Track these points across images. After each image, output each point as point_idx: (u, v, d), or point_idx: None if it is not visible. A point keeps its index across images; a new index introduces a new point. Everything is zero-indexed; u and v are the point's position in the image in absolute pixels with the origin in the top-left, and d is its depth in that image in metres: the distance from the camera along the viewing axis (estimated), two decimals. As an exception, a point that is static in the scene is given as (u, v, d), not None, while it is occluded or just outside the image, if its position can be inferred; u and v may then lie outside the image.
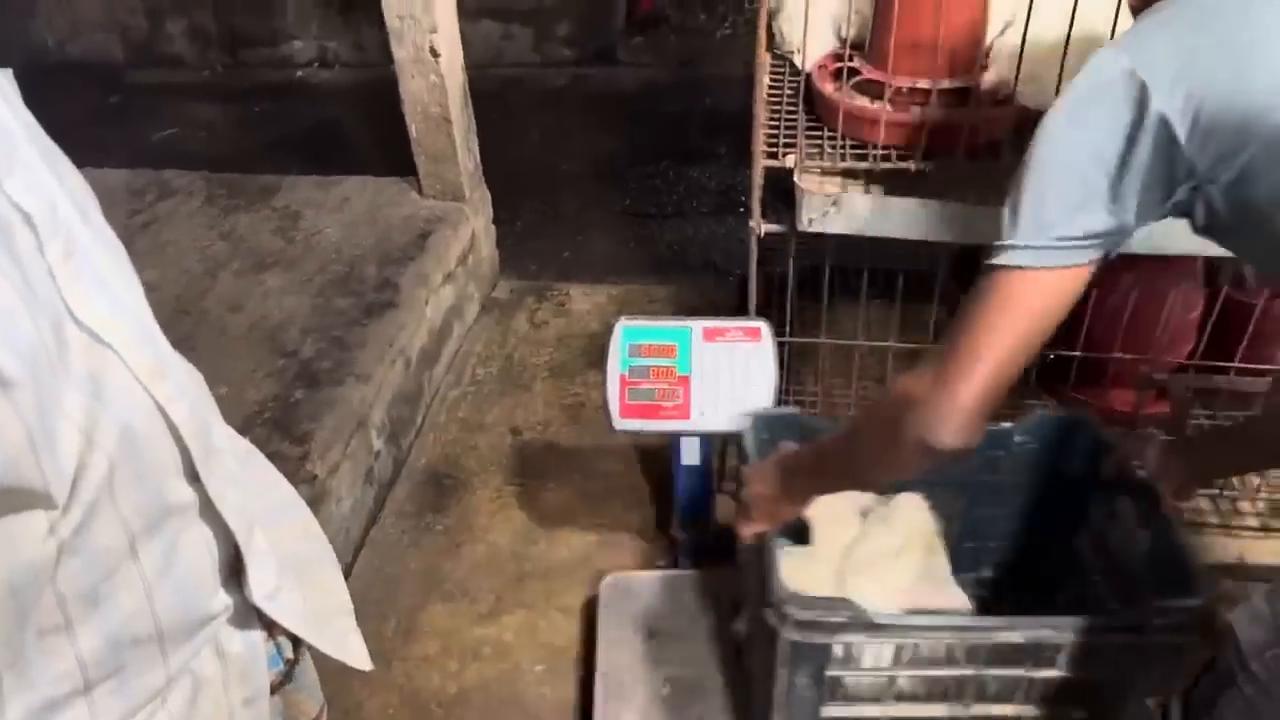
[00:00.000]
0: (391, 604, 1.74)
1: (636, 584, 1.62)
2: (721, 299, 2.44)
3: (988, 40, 1.43)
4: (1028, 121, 1.44)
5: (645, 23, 4.27)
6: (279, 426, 1.80)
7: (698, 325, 1.56)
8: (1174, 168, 0.85)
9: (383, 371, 1.94)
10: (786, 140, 1.52)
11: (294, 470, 1.68)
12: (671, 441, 1.64)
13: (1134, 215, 0.87)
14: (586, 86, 3.87)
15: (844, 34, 1.57)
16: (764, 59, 1.69)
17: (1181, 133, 0.83)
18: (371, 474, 1.89)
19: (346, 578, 1.76)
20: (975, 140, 1.40)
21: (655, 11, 4.30)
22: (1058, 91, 1.25)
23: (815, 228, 1.45)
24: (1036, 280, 0.88)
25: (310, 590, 0.75)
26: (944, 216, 1.42)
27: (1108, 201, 0.86)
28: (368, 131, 3.29)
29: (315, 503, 1.68)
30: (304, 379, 1.90)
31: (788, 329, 1.66)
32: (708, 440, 1.64)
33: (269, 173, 2.63)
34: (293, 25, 4.12)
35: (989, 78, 1.38)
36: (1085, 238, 0.87)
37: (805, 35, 1.50)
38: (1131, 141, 0.84)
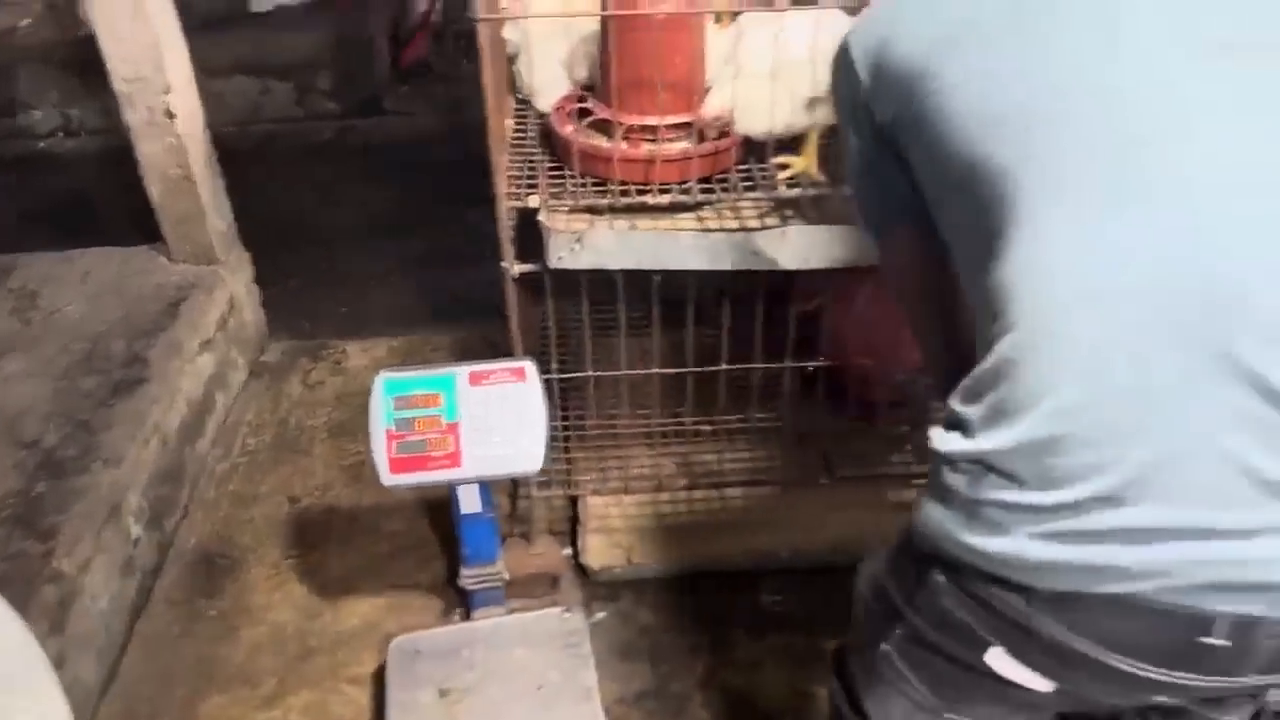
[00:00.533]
0: (165, 700, 1.62)
1: (425, 643, 1.57)
2: (505, 341, 2.43)
3: (708, 76, 1.50)
4: (748, 148, 1.52)
5: (411, 72, 4.25)
6: (21, 523, 1.65)
7: (462, 370, 1.54)
8: (875, 126, 0.91)
9: (136, 452, 1.81)
10: (531, 181, 1.54)
11: (39, 569, 1.55)
12: (450, 492, 1.61)
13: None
14: (353, 138, 3.80)
15: (577, 76, 1.61)
16: (507, 103, 1.71)
17: (867, 86, 0.90)
18: (131, 563, 1.76)
19: (111, 678, 1.65)
20: (705, 169, 1.46)
21: (420, 60, 4.29)
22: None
23: (565, 264, 1.47)
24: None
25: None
26: (686, 245, 1.47)
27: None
28: (118, 200, 3.09)
29: (66, 602, 1.55)
30: (48, 469, 1.76)
31: (553, 365, 1.67)
32: (488, 486, 1.62)
33: (8, 251, 2.44)
34: (29, 94, 3.86)
35: (710, 111, 1.44)
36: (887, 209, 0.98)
37: (535, 76, 1.53)
38: (850, 103, 0.93)
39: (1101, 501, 0.74)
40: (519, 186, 1.51)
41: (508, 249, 1.49)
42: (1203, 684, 0.79)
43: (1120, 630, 0.77)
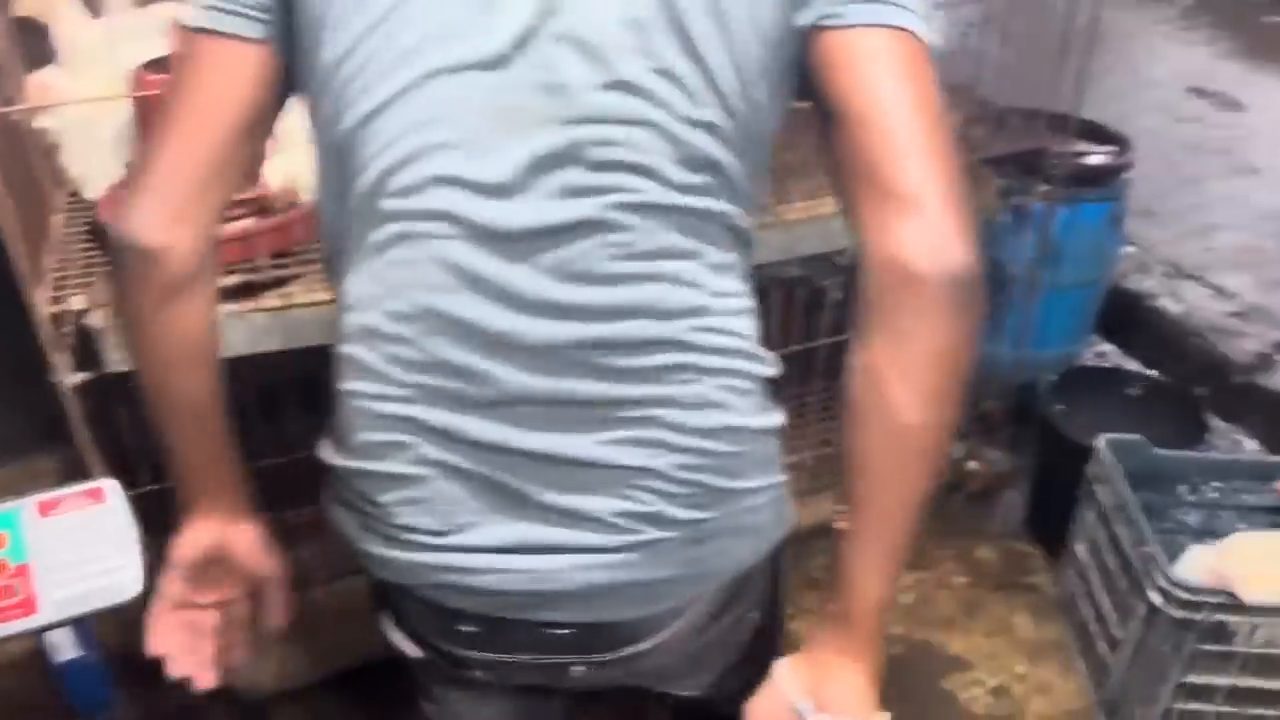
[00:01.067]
0: None
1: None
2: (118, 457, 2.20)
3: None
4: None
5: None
6: None
7: (28, 503, 1.36)
8: None
9: None
10: (83, 280, 1.39)
11: None
12: (38, 644, 1.40)
13: None
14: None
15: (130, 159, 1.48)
16: (55, 199, 1.55)
17: None
18: None
19: None
20: (274, 245, 1.38)
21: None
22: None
23: (127, 365, 1.33)
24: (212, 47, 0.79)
25: None
26: (260, 326, 1.39)
27: None
28: None
29: None
30: None
31: (141, 477, 1.51)
32: (87, 625, 1.43)
33: None
34: None
35: (272, 182, 1.37)
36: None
37: (76, 165, 1.39)
38: None
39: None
40: (64, 289, 1.36)
41: (59, 359, 1.33)
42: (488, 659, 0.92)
43: (410, 613, 0.93)
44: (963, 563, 2.20)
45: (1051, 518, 2.23)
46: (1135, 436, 1.92)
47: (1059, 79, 1.97)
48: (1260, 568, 1.73)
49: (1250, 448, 2.44)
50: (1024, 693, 1.92)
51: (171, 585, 1.05)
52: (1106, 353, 2.81)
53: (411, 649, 0.96)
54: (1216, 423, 2.45)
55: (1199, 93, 4.28)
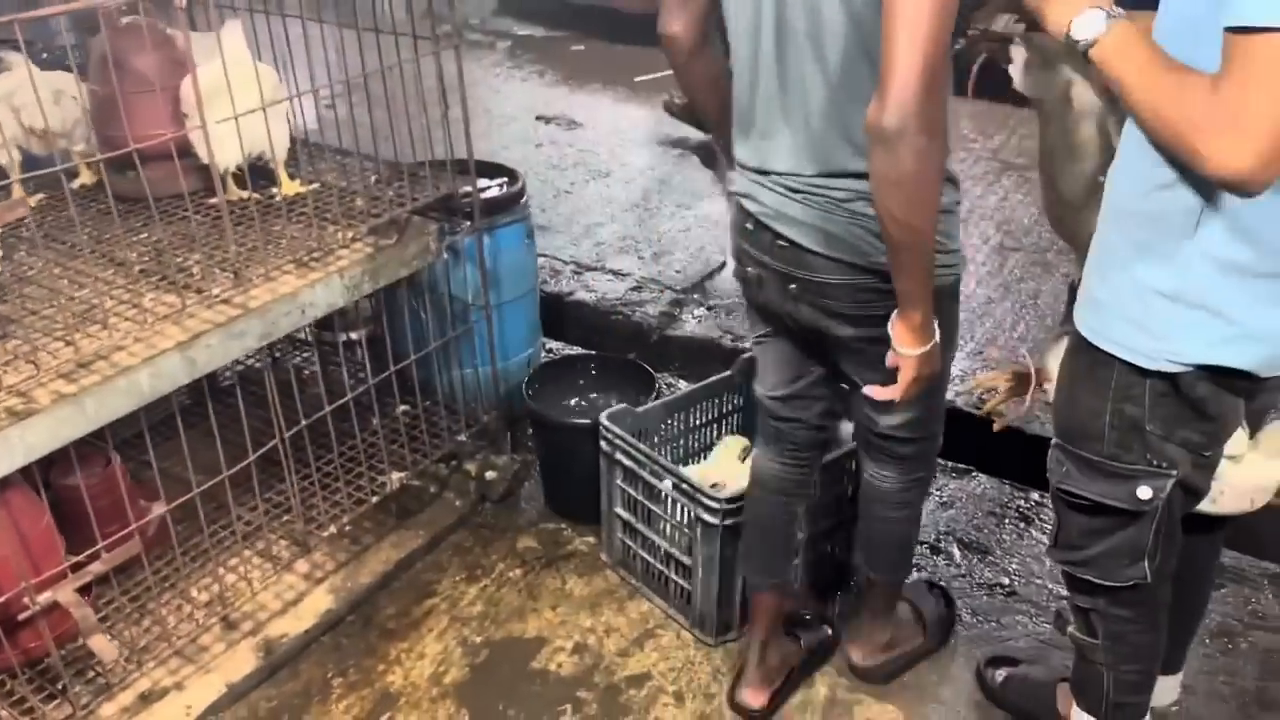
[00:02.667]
0: None
1: None
2: None
3: None
4: None
5: None
6: None
7: None
8: None
9: None
10: None
11: None
12: None
13: None
14: None
15: None
16: None
17: None
18: None
19: None
20: None
21: None
22: None
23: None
24: None
25: None
26: None
27: None
28: None
29: None
30: None
31: None
32: None
33: None
34: None
35: None
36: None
37: None
38: None
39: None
40: None
41: None
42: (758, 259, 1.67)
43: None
44: (512, 559, 2.44)
45: (565, 493, 2.57)
46: (623, 405, 2.31)
47: (442, 130, 2.27)
48: (735, 470, 2.24)
49: (683, 385, 3.02)
50: (597, 640, 2.22)
51: None
52: (554, 348, 3.25)
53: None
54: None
55: (545, 119, 5.01)
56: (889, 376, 1.54)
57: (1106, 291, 1.39)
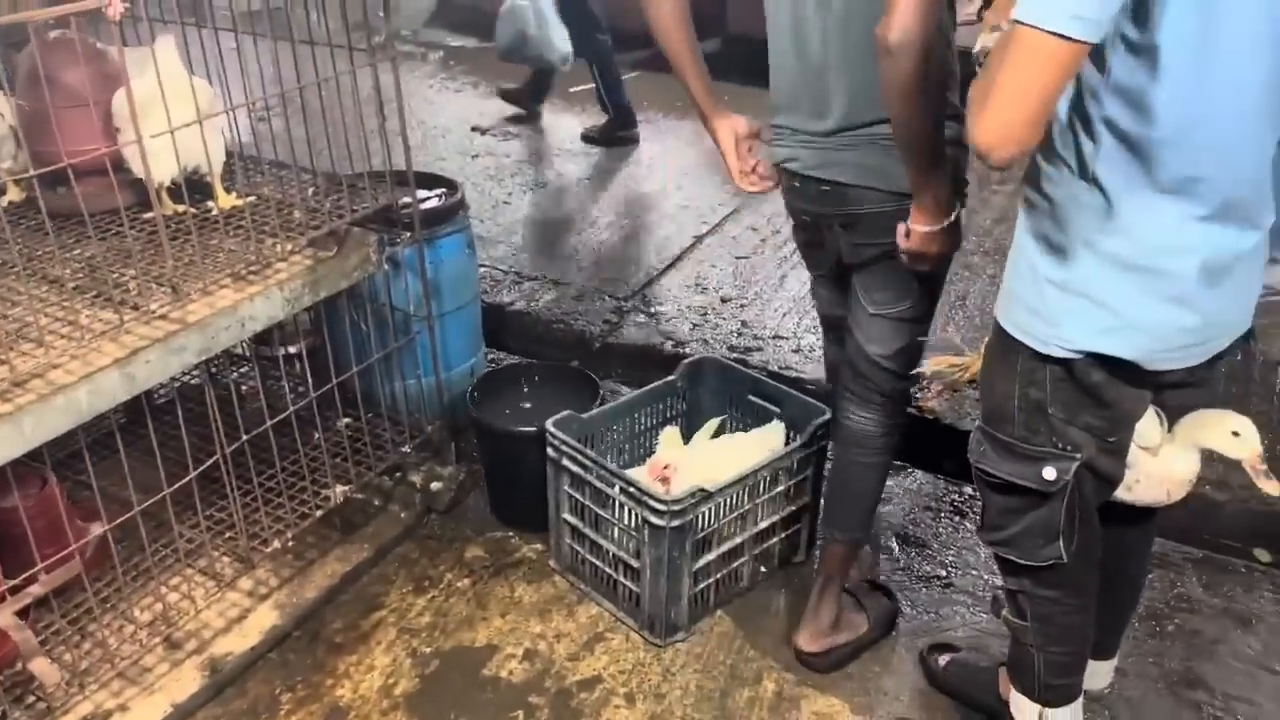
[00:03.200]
0: None
1: None
2: None
3: None
4: None
5: None
6: None
7: None
8: None
9: None
10: None
11: None
12: None
13: None
14: None
15: None
16: None
17: None
18: None
19: None
20: None
21: None
22: None
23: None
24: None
25: None
26: None
27: None
28: None
29: None
30: None
31: None
32: None
33: None
34: None
35: None
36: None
37: None
38: None
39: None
40: None
41: None
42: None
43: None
44: (460, 569, 2.45)
45: (511, 502, 2.58)
46: (568, 412, 2.33)
47: (379, 141, 2.27)
48: (682, 456, 2.30)
49: (626, 391, 3.05)
50: (547, 645, 2.24)
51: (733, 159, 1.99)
52: (497, 357, 3.26)
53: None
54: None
55: (481, 130, 5.01)
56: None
57: (1014, 279, 1.50)
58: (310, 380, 2.32)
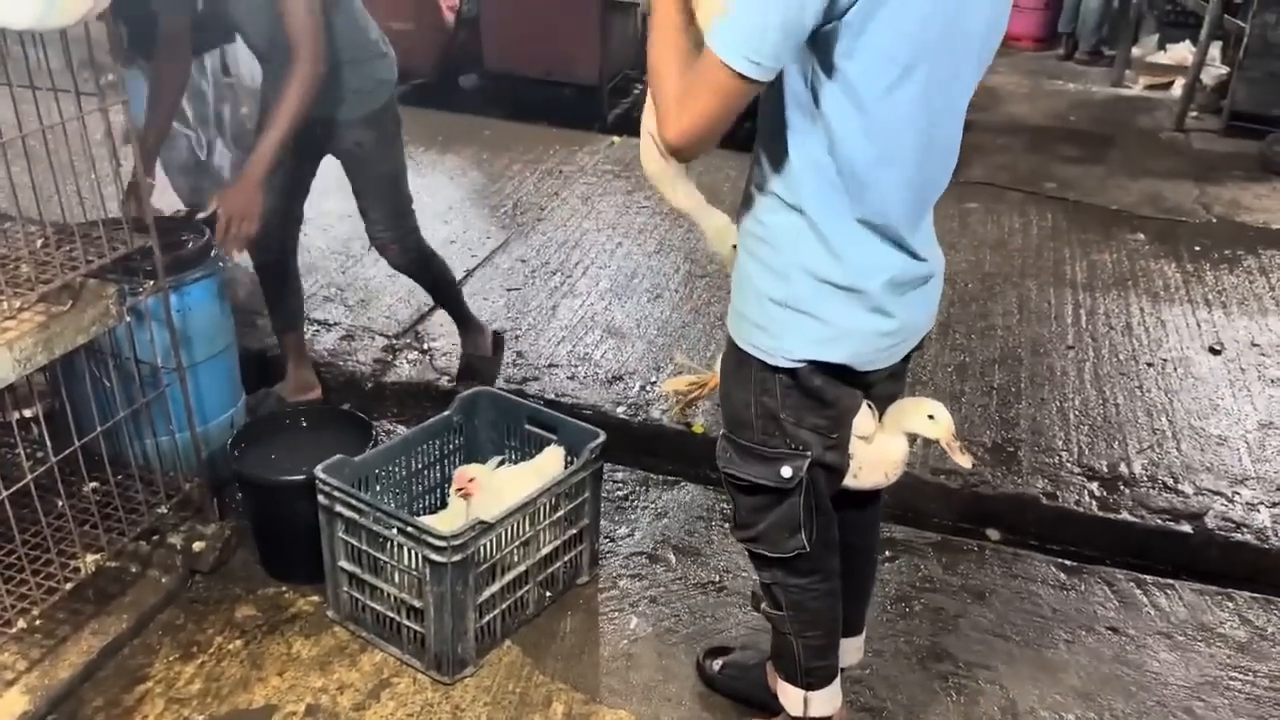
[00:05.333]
0: None
1: None
2: None
3: None
4: None
5: None
6: None
7: None
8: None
9: None
10: None
11: None
12: None
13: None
14: None
15: None
16: None
17: None
18: None
19: None
20: None
21: None
22: None
23: None
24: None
25: None
26: None
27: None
28: None
29: None
30: None
31: None
32: None
33: None
34: None
35: None
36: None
37: None
38: None
39: None
40: None
41: None
42: None
43: None
44: (230, 630, 2.34)
45: (282, 555, 2.50)
46: (339, 456, 2.28)
47: (114, 186, 2.17)
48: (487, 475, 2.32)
49: (401, 430, 3.01)
50: (330, 698, 2.18)
51: None
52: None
53: None
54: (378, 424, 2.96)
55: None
56: None
57: (740, 300, 1.66)
58: (50, 444, 2.16)
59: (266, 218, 2.58)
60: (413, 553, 2.15)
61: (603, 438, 2.36)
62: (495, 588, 2.25)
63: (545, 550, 2.35)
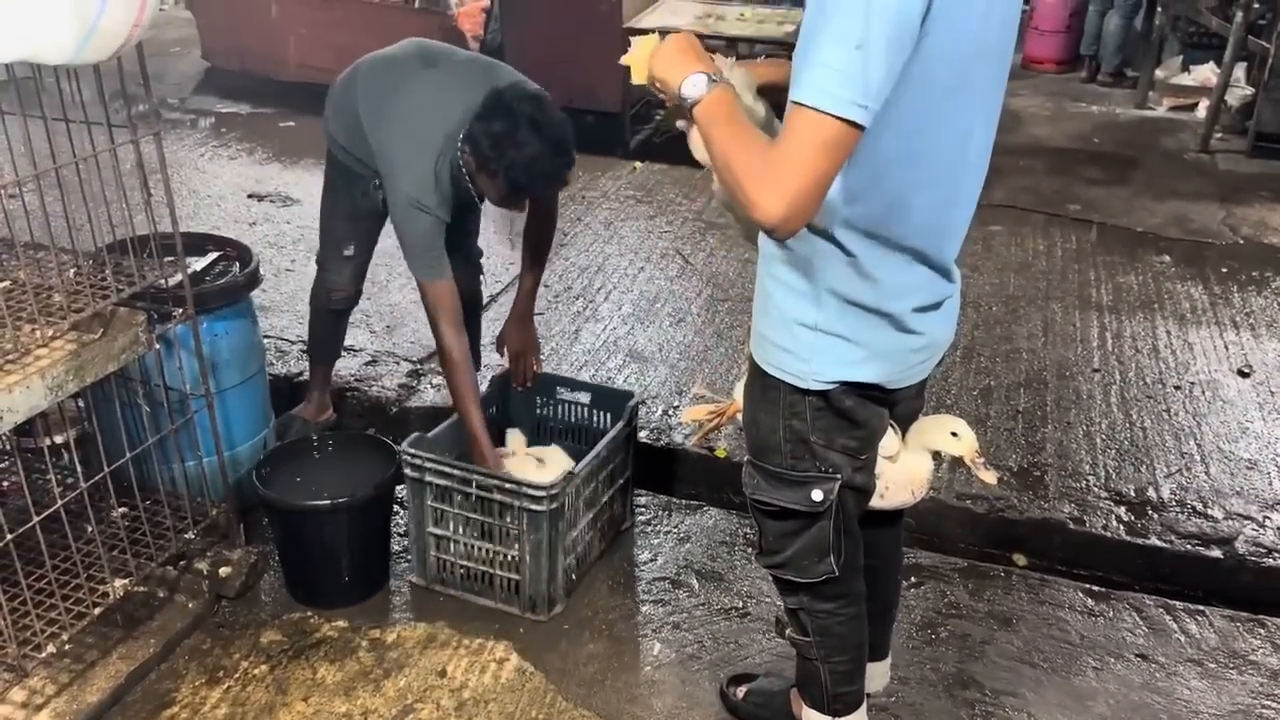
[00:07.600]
0: None
1: None
2: None
3: None
4: None
5: None
6: None
7: None
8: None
9: None
10: None
11: None
12: None
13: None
14: None
15: None
16: None
17: None
18: None
19: None
20: None
21: None
22: None
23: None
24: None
25: None
26: None
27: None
28: None
29: None
30: None
31: None
32: None
33: None
34: None
35: None
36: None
37: None
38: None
39: None
40: None
41: None
42: None
43: None
44: (256, 655, 2.35)
45: (308, 579, 2.51)
46: (416, 434, 2.49)
47: (144, 215, 2.20)
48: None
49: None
50: (355, 723, 2.19)
51: None
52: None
53: None
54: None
55: (258, 197, 4.87)
56: None
57: (765, 325, 1.65)
58: (80, 470, 2.19)
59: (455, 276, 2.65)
60: (508, 507, 2.35)
61: (637, 397, 2.72)
62: (575, 532, 2.48)
63: (604, 499, 2.60)
